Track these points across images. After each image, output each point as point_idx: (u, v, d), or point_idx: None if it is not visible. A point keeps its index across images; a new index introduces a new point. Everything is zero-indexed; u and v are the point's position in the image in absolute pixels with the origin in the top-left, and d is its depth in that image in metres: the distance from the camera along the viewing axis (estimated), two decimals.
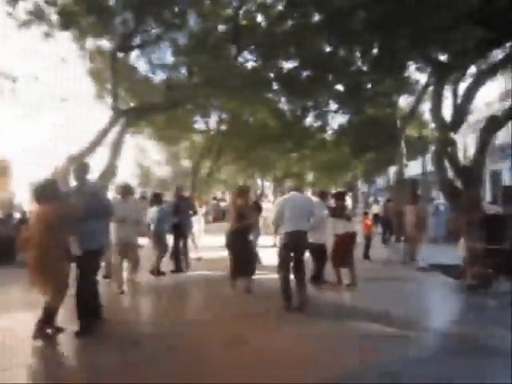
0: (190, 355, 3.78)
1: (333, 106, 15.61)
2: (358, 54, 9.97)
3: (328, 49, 10.49)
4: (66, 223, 3.99)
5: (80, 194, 4.20)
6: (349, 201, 9.87)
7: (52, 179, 4.20)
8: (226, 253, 6.69)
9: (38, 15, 9.39)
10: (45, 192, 4.04)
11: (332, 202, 7.14)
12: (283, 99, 14.49)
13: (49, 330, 4.12)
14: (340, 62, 10.57)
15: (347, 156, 19.87)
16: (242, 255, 6.13)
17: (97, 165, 10.19)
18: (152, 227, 7.67)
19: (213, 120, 19.54)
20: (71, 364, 3.92)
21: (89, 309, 4.32)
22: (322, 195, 7.01)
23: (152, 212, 7.75)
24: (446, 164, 7.93)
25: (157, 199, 8.02)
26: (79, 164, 4.45)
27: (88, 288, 4.26)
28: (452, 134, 8.10)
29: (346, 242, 6.64)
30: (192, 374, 3.38)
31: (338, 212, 6.71)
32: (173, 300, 6.27)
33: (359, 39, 8.02)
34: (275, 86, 12.69)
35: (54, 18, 9.52)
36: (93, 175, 7.94)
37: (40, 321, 4.04)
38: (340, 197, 7.10)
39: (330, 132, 18.93)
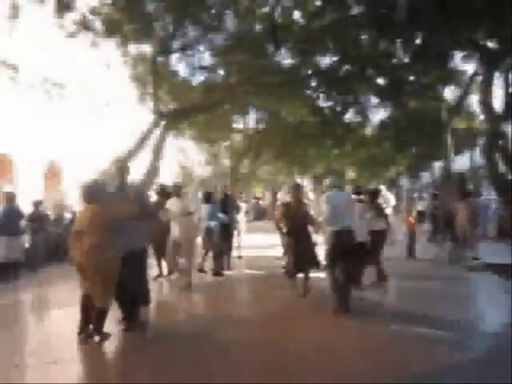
0: (226, 353, 3.82)
1: (374, 100, 15.20)
2: (399, 45, 9.63)
3: (368, 42, 10.22)
4: (114, 224, 4.11)
5: (122, 195, 4.34)
6: (391, 197, 9.57)
7: (99, 180, 4.35)
8: (266, 251, 6.68)
9: (84, 25, 9.87)
10: (92, 193, 4.18)
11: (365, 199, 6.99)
12: (322, 95, 14.28)
13: (99, 335, 4.21)
14: (381, 55, 10.27)
15: (389, 151, 19.26)
16: (305, 248, 5.77)
17: (140, 166, 10.57)
18: (204, 224, 7.83)
19: (251, 119, 19.64)
20: (116, 359, 4.07)
21: (134, 307, 4.47)
22: (358, 193, 6.91)
23: (204, 209, 7.90)
24: (497, 157, 7.49)
25: (209, 197, 8.15)
26: (119, 166, 4.57)
27: (133, 287, 4.40)
28: (503, 126, 7.64)
29: (380, 238, 6.54)
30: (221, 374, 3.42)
31: (376, 208, 6.61)
32: (218, 299, 6.35)
33: (401, 30, 7.75)
34: (313, 83, 12.55)
35: (99, 27, 9.98)
36: (136, 176, 8.24)
37: (94, 324, 4.16)
38: (373, 194, 6.98)
39: (371, 127, 18.44)
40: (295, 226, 5.86)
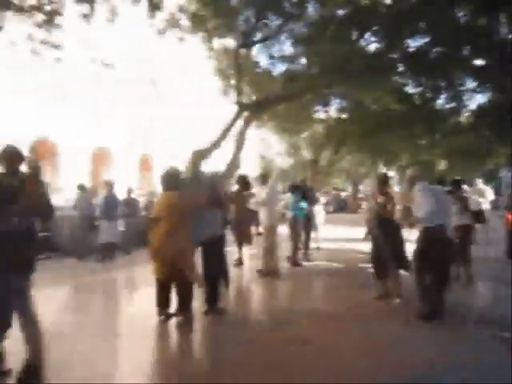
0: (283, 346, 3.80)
1: (470, 84, 13.78)
2: (502, 20, 8.59)
3: (465, 19, 9.27)
4: (188, 211, 4.30)
5: (197, 184, 4.53)
6: (489, 191, 8.69)
7: (176, 168, 4.54)
8: (346, 244, 6.52)
9: (172, 23, 10.42)
10: (169, 180, 4.41)
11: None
12: (410, 81, 13.34)
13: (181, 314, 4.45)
14: (480, 33, 9.25)
15: (488, 140, 17.38)
16: (391, 246, 5.31)
17: (222, 157, 10.94)
18: (288, 215, 7.93)
19: (333, 109, 19.10)
20: (195, 339, 4.29)
21: (215, 291, 4.67)
22: (441, 183, 6.41)
23: (289, 200, 7.98)
24: None
25: (294, 188, 8.19)
26: (194, 157, 4.78)
27: (212, 272, 4.59)
28: None
29: (466, 234, 6.01)
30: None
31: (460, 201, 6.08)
32: (294, 289, 6.37)
33: (504, 3, 6.88)
34: (401, 68, 11.76)
35: (186, 23, 10.46)
36: (218, 167, 8.53)
37: (180, 304, 4.44)
38: (457, 184, 6.38)
39: (466, 114, 16.80)
40: (380, 220, 5.54)
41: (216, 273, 4.65)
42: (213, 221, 4.54)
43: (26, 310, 3.09)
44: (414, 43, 10.93)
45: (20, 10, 7.76)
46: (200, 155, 4.94)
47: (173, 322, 4.46)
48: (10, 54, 9.67)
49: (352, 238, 9.38)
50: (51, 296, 5.45)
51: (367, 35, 10.97)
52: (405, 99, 14.11)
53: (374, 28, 10.56)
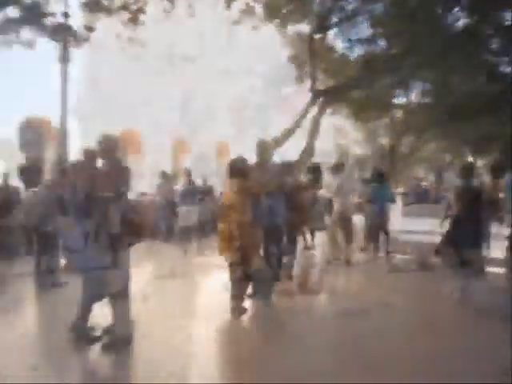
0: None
1: None
2: None
3: None
4: (256, 198, 4.35)
5: (263, 172, 4.57)
6: None
7: (242, 157, 4.61)
8: (426, 237, 6.15)
9: (248, 12, 10.56)
10: (236, 167, 4.50)
11: None
12: (505, 59, 12.03)
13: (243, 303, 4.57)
14: None
15: None
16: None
17: (297, 145, 10.92)
18: (366, 204, 7.75)
19: (415, 93, 17.93)
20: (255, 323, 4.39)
21: (275, 278, 4.72)
22: None
23: (373, 189, 7.77)
24: None
25: (379, 176, 7.87)
26: (260, 146, 4.80)
27: (273, 258, 4.65)
28: None
29: None
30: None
31: None
32: (365, 280, 6.20)
33: None
34: (495, 44, 10.66)
35: (260, 12, 10.54)
36: (292, 155, 8.53)
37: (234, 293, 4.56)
38: None
39: None
40: (462, 214, 5.14)
41: (278, 259, 4.71)
42: (279, 208, 4.58)
43: (119, 285, 3.39)
44: (509, 15, 9.83)
45: (109, 10, 8.42)
46: (266, 145, 4.97)
47: (247, 303, 4.60)
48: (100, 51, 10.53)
49: (432, 231, 8.82)
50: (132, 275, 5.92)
51: (454, 10, 10.10)
52: (498, 79, 12.76)
53: (463, 2, 9.68)
